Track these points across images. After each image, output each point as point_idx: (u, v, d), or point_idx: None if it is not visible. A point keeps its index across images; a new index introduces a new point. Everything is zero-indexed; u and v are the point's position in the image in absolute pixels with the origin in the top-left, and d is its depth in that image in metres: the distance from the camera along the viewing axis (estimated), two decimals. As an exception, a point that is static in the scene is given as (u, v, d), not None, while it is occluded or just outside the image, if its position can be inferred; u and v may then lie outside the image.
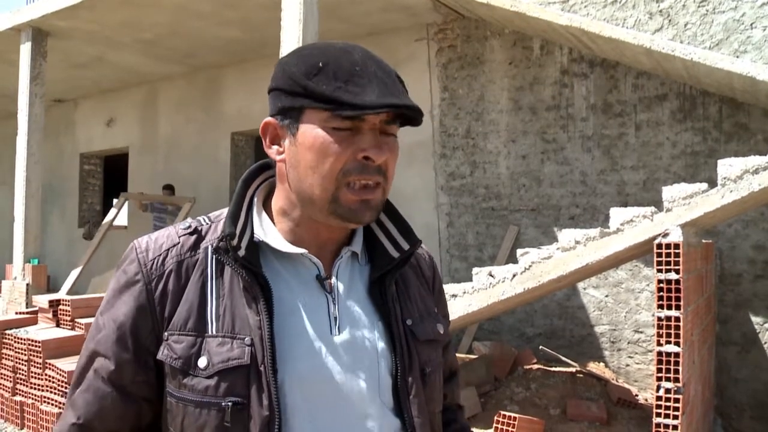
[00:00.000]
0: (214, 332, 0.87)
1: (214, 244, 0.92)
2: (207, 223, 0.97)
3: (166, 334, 0.88)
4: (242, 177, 0.98)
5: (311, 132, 0.87)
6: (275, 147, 0.93)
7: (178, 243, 0.93)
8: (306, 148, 0.88)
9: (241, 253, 0.88)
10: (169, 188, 8.48)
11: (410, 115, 0.88)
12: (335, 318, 0.92)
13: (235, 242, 0.88)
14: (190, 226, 0.95)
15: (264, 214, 0.96)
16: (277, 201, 0.96)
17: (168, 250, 0.92)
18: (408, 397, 0.93)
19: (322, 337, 0.90)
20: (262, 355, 0.85)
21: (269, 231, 0.94)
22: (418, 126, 0.92)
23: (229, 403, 0.84)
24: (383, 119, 0.88)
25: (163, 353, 0.88)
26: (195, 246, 0.93)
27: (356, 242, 0.99)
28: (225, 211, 0.97)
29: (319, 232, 0.95)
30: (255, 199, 0.97)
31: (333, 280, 0.95)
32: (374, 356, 0.93)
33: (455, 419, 1.15)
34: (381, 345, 0.94)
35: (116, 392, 0.89)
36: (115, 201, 9.46)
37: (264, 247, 0.93)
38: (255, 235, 0.93)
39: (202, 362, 0.86)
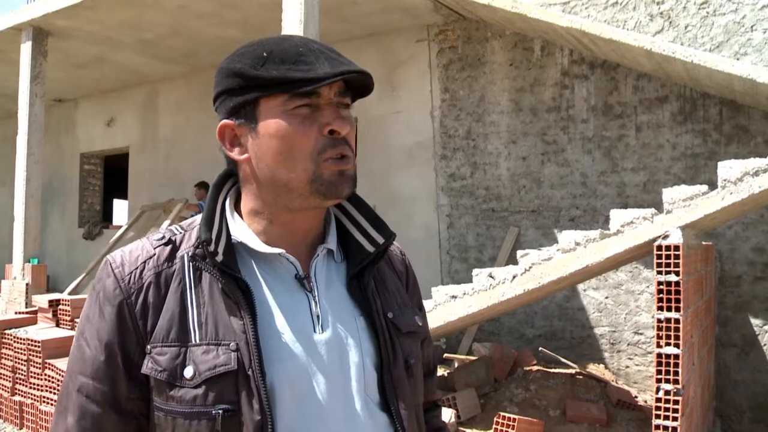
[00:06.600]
0: (197, 341, 0.86)
1: (191, 252, 0.91)
2: (180, 232, 0.95)
3: (149, 347, 0.86)
4: (213, 182, 0.98)
5: (273, 120, 0.88)
6: (237, 148, 0.93)
7: (154, 255, 0.91)
8: (270, 136, 0.88)
9: (219, 258, 0.87)
10: (201, 186, 7.87)
11: (363, 82, 0.90)
12: (318, 316, 0.92)
13: (212, 248, 0.87)
14: (163, 237, 0.94)
15: (237, 217, 0.95)
16: (247, 203, 0.95)
17: (144, 262, 0.91)
18: (394, 391, 0.93)
19: (307, 337, 0.89)
20: (249, 358, 0.84)
21: (245, 232, 0.93)
22: (369, 94, 0.93)
23: (220, 411, 0.82)
24: (337, 91, 0.89)
25: (147, 366, 0.86)
26: (171, 256, 0.91)
27: (330, 240, 0.98)
28: (197, 219, 0.97)
29: (294, 226, 0.94)
30: (227, 204, 0.96)
31: (312, 278, 0.94)
32: (359, 352, 0.93)
33: (434, 416, 1.16)
34: (364, 340, 0.94)
35: (113, 413, 0.87)
36: (125, 206, 9.33)
37: (241, 249, 0.92)
38: (233, 236, 0.92)
39: (188, 372, 0.84)
